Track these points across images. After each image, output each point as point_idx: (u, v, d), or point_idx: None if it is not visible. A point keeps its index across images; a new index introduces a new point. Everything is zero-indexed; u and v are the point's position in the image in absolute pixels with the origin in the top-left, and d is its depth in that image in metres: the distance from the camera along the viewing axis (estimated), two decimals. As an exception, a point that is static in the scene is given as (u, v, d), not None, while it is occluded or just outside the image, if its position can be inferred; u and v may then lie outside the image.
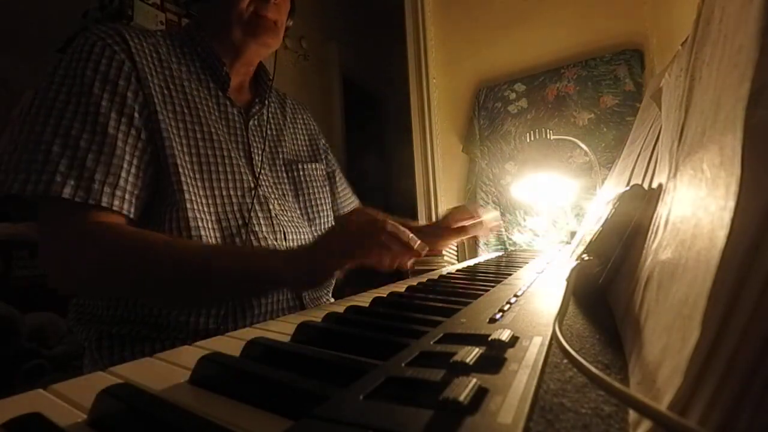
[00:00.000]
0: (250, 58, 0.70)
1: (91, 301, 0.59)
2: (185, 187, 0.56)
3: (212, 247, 0.56)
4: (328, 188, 0.85)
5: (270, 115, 0.76)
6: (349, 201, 0.93)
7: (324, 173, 0.85)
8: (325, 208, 0.81)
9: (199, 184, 0.59)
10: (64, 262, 0.52)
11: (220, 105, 0.67)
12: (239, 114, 0.69)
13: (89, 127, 0.51)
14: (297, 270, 0.50)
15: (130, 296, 0.55)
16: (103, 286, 0.54)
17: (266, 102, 0.75)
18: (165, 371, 0.24)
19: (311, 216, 0.78)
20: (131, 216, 0.54)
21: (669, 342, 0.15)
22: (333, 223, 0.83)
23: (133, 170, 0.54)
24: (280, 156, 0.75)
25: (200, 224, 0.57)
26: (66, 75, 0.54)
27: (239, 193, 0.63)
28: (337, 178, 0.90)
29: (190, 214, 0.56)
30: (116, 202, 0.51)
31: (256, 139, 0.71)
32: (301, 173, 0.78)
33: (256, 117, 0.72)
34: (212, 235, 0.58)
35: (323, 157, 0.87)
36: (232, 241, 0.60)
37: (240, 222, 0.62)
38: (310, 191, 0.79)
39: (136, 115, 0.55)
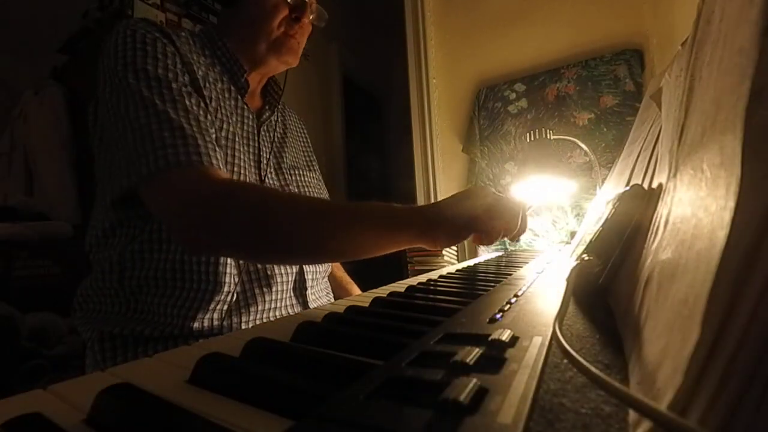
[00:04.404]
0: (268, 71, 0.73)
1: (95, 297, 0.60)
2: None
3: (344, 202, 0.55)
4: (324, 196, 0.88)
5: (277, 123, 0.79)
6: None
7: (318, 183, 0.88)
8: None
9: None
10: (210, 221, 0.49)
11: (238, 108, 0.68)
12: (253, 119, 0.71)
13: (171, 105, 0.52)
14: (435, 225, 0.49)
15: (274, 246, 0.51)
16: (254, 236, 0.50)
17: (275, 110, 0.77)
18: (165, 371, 0.24)
19: None
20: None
21: (669, 342, 0.15)
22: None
23: (214, 140, 0.55)
24: (285, 161, 0.78)
25: None
26: (133, 69, 0.54)
27: None
28: (323, 192, 0.93)
29: None
30: (216, 164, 0.53)
31: (266, 145, 0.73)
32: (303, 179, 0.80)
33: (265, 124, 0.74)
34: None
35: (316, 168, 0.91)
36: None
37: None
38: (312, 196, 0.80)
39: (195, 94, 0.57)
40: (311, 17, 0.70)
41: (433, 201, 1.74)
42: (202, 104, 0.57)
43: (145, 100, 0.51)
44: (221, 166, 0.53)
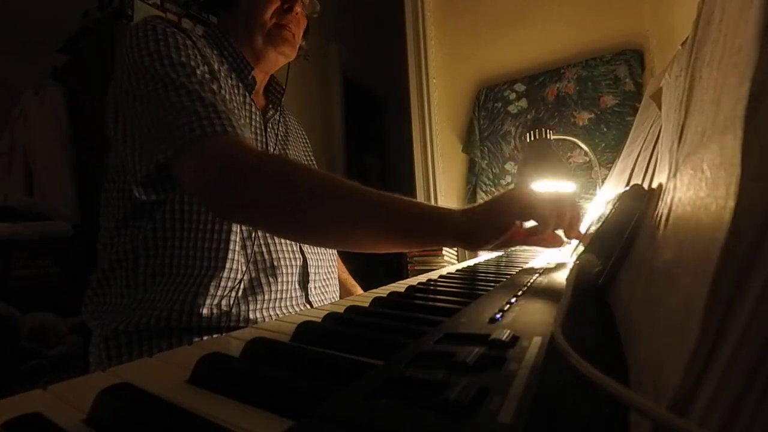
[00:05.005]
0: (268, 65, 0.74)
1: (106, 291, 0.61)
2: None
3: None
4: None
5: (280, 122, 0.81)
6: None
7: None
8: None
9: None
10: (242, 187, 0.50)
11: (246, 104, 0.70)
12: (260, 116, 0.73)
13: (198, 86, 0.54)
14: (471, 224, 0.48)
15: (300, 217, 0.51)
16: (280, 204, 0.50)
17: (279, 109, 0.79)
18: (165, 371, 0.24)
19: None
20: None
21: (669, 342, 0.15)
22: None
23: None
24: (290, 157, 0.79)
25: None
26: (159, 55, 0.55)
27: None
28: None
29: None
30: (250, 138, 0.54)
31: (272, 140, 0.75)
32: None
33: (270, 121, 0.76)
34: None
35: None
36: (247, 228, 0.62)
37: None
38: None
39: (216, 82, 0.59)
40: (303, 8, 0.72)
41: (433, 201, 1.75)
42: (221, 92, 0.59)
43: (174, 82, 0.53)
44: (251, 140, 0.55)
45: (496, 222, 0.47)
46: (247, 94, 0.71)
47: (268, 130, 0.74)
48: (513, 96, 1.58)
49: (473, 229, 0.47)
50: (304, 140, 0.92)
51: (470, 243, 0.48)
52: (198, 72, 0.56)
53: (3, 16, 1.52)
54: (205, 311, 0.56)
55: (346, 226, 0.50)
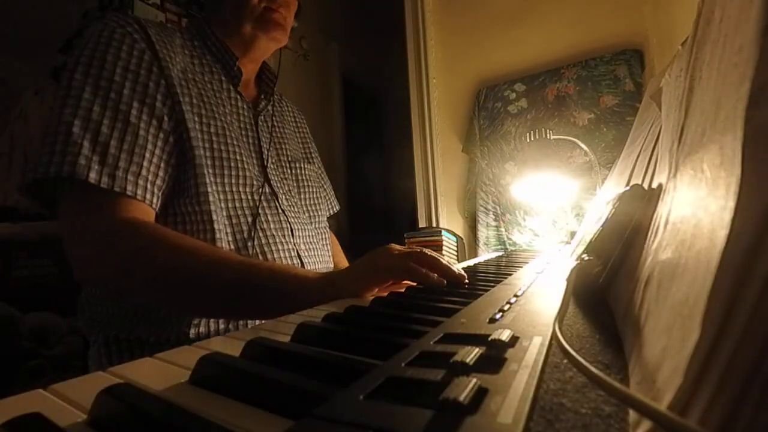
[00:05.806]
0: (259, 53, 0.71)
1: (99, 300, 0.59)
2: (204, 183, 0.56)
3: (248, 263, 0.52)
4: (322, 189, 0.87)
5: (275, 112, 0.77)
6: (335, 204, 0.94)
7: (317, 174, 0.86)
8: (321, 207, 0.83)
9: (216, 179, 0.59)
10: (90, 253, 0.49)
11: (231, 99, 0.67)
12: (249, 109, 0.70)
13: (110, 113, 0.50)
14: (336, 288, 0.47)
15: (148, 299, 0.53)
16: (126, 285, 0.51)
17: (271, 99, 0.75)
18: (165, 371, 0.24)
19: (312, 213, 0.78)
20: (154, 207, 0.53)
21: (669, 342, 0.15)
22: (327, 224, 0.85)
23: (155, 160, 0.53)
24: (285, 153, 0.76)
25: (216, 218, 0.57)
26: (88, 63, 0.52)
27: (248, 190, 0.63)
28: (325, 182, 0.92)
29: (209, 207, 0.56)
30: (140, 192, 0.50)
31: (264, 135, 0.71)
32: (303, 171, 0.79)
33: (263, 113, 0.72)
34: (224, 230, 0.59)
35: (315, 159, 0.89)
36: (242, 237, 0.61)
37: (250, 219, 0.62)
38: (310, 189, 0.79)
39: (158, 104, 0.54)
40: None
41: (433, 201, 1.75)
42: (164, 115, 0.55)
43: (82, 101, 0.49)
44: (147, 189, 0.52)
45: (361, 286, 0.47)
46: (231, 87, 0.68)
47: (260, 123, 0.71)
48: (513, 96, 1.58)
49: (334, 294, 0.47)
50: (303, 132, 0.88)
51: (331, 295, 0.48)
52: (125, 92, 0.52)
53: (3, 16, 1.51)
54: (202, 330, 0.56)
55: (190, 300, 0.51)
